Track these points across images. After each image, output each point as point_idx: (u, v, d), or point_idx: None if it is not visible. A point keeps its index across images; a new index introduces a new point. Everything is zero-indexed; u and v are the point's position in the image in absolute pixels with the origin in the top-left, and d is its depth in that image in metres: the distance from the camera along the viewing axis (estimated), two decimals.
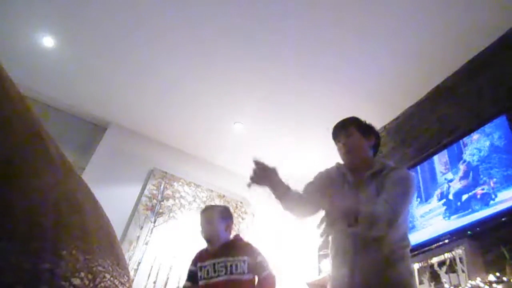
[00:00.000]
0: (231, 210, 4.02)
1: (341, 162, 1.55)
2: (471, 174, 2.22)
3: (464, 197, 2.21)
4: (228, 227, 2.06)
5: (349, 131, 1.49)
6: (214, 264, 1.91)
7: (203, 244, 2.08)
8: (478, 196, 2.11)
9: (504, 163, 2.04)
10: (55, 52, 3.19)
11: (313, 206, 1.50)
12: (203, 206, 3.91)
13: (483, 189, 2.10)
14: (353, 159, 1.48)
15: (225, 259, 1.90)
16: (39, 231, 0.30)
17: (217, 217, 2.03)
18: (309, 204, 1.49)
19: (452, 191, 2.32)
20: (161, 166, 3.92)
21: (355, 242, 1.34)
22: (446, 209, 2.31)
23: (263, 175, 1.44)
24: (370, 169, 1.45)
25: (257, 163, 1.46)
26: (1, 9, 2.85)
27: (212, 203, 3.99)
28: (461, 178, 2.28)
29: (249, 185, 1.45)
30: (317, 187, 1.53)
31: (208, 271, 1.91)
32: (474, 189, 2.16)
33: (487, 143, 2.18)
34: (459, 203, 2.24)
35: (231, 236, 2.09)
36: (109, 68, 3.30)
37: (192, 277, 2.00)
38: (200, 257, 2.03)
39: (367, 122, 1.58)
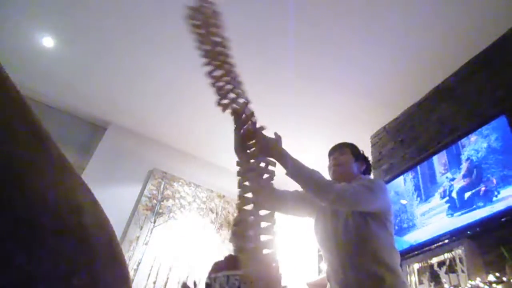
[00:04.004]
0: (231, 210, 4.05)
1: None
2: (474, 171, 2.24)
3: (467, 194, 2.22)
4: None
5: (343, 150, 1.63)
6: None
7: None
8: (481, 193, 2.12)
9: (500, 164, 2.06)
10: (55, 52, 3.19)
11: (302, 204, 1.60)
12: (203, 206, 3.91)
13: (486, 186, 2.11)
14: (339, 173, 1.58)
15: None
16: (39, 231, 0.30)
17: None
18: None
19: (454, 189, 2.34)
20: (161, 166, 3.92)
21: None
22: (449, 207, 2.33)
23: None
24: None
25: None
26: (1, 9, 2.85)
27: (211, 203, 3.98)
28: (464, 176, 2.29)
29: None
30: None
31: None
32: (477, 187, 2.17)
33: (485, 145, 2.20)
34: (462, 201, 2.25)
35: None
36: (109, 68, 3.30)
37: None
38: None
39: (362, 151, 1.69)
